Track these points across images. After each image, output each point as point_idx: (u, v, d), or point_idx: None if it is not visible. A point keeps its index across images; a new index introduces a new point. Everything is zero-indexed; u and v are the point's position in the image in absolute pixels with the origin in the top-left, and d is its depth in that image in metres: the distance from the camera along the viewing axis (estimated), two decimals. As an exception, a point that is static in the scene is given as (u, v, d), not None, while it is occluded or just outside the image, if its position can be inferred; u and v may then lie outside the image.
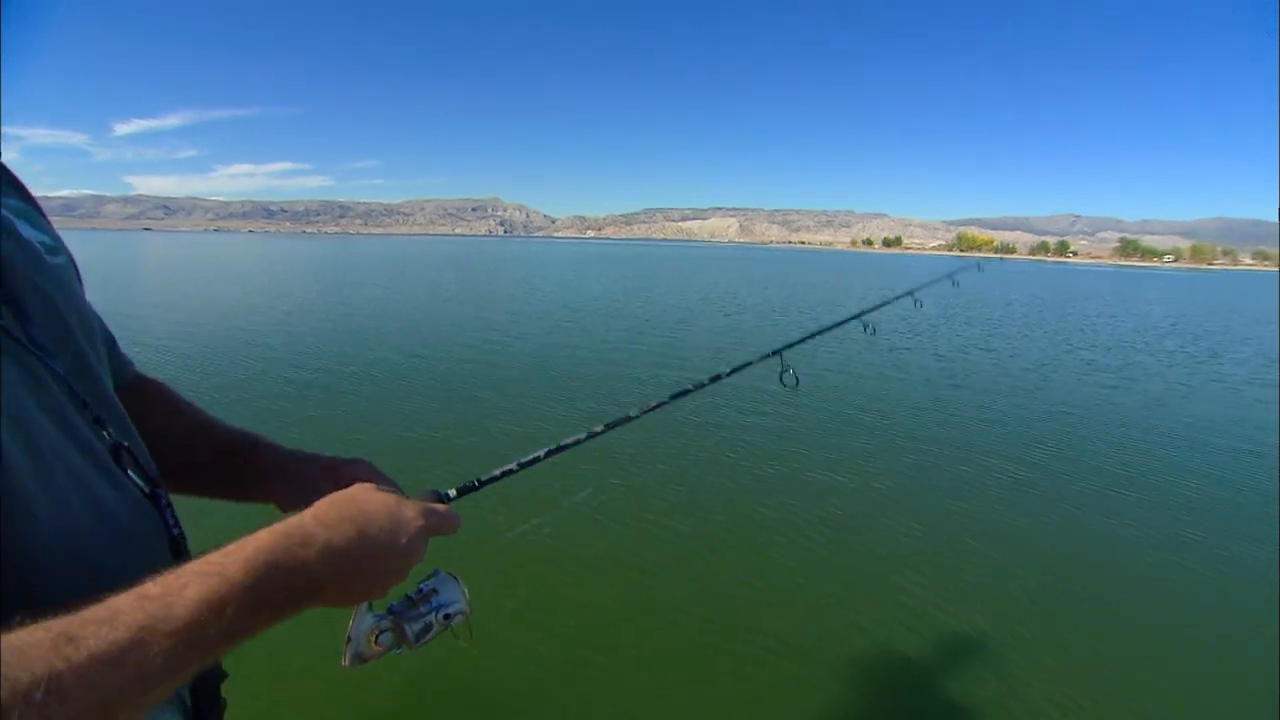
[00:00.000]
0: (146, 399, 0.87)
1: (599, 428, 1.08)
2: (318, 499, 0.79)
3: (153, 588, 0.47)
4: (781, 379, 1.80)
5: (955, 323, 17.99)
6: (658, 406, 1.22)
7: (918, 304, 3.01)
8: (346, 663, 0.68)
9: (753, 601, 3.77)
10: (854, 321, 2.33)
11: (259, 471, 0.89)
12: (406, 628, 0.70)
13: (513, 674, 3.11)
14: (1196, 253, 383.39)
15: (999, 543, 4.63)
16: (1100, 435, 7.31)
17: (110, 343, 0.79)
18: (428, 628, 0.72)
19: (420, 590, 0.74)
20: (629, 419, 1.16)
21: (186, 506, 0.73)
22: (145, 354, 9.90)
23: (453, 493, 0.82)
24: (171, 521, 0.66)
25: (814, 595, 3.89)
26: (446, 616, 0.73)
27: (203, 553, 0.52)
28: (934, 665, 3.30)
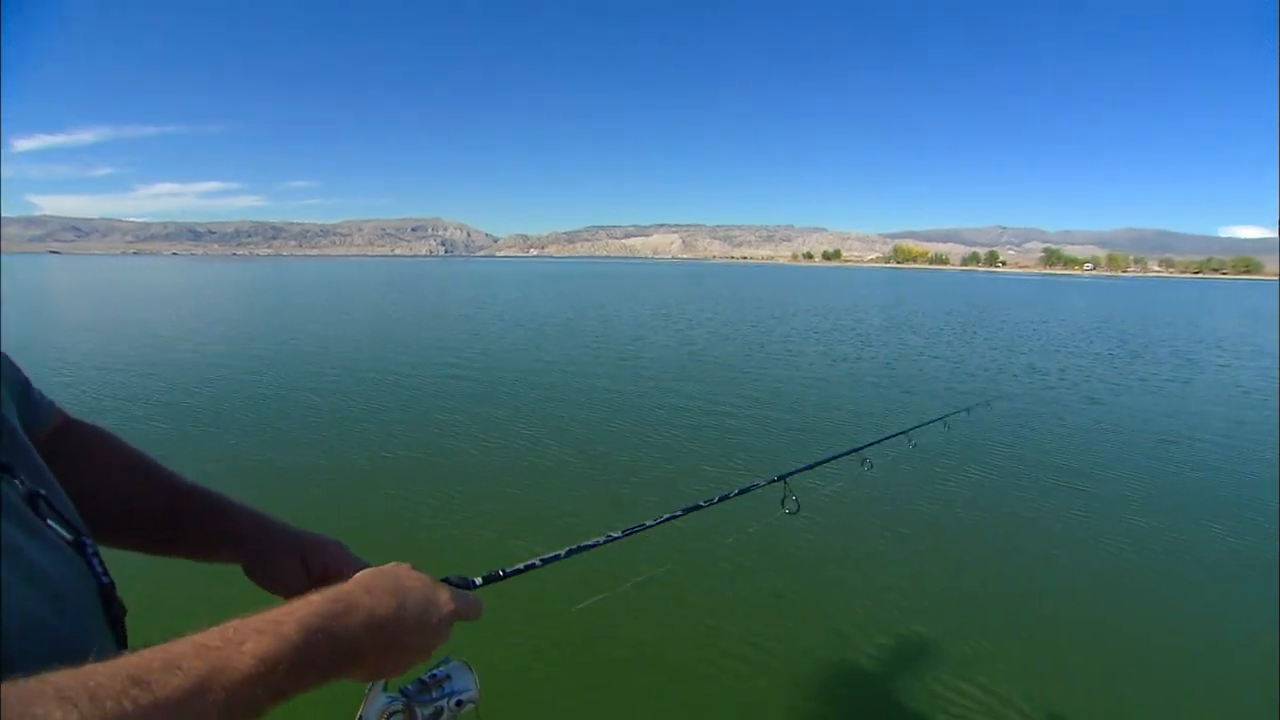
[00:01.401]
0: (77, 444, 0.82)
1: (617, 533, 1.17)
2: (277, 571, 0.83)
3: (213, 638, 0.48)
4: (783, 503, 1.78)
5: (902, 330, 18.57)
6: (671, 518, 1.32)
7: (911, 443, 2.76)
8: None
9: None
10: (852, 456, 2.29)
11: (233, 534, 0.85)
12: (418, 710, 0.70)
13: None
14: (1112, 261, 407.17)
15: (964, 551, 4.75)
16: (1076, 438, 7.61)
17: (23, 385, 0.75)
18: (438, 713, 0.72)
19: (434, 675, 0.74)
20: (644, 526, 1.24)
21: (111, 553, 0.69)
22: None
23: (479, 580, 0.84)
24: (100, 570, 0.64)
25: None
26: (459, 703, 0.73)
27: (260, 610, 0.53)
28: (919, 679, 3.34)
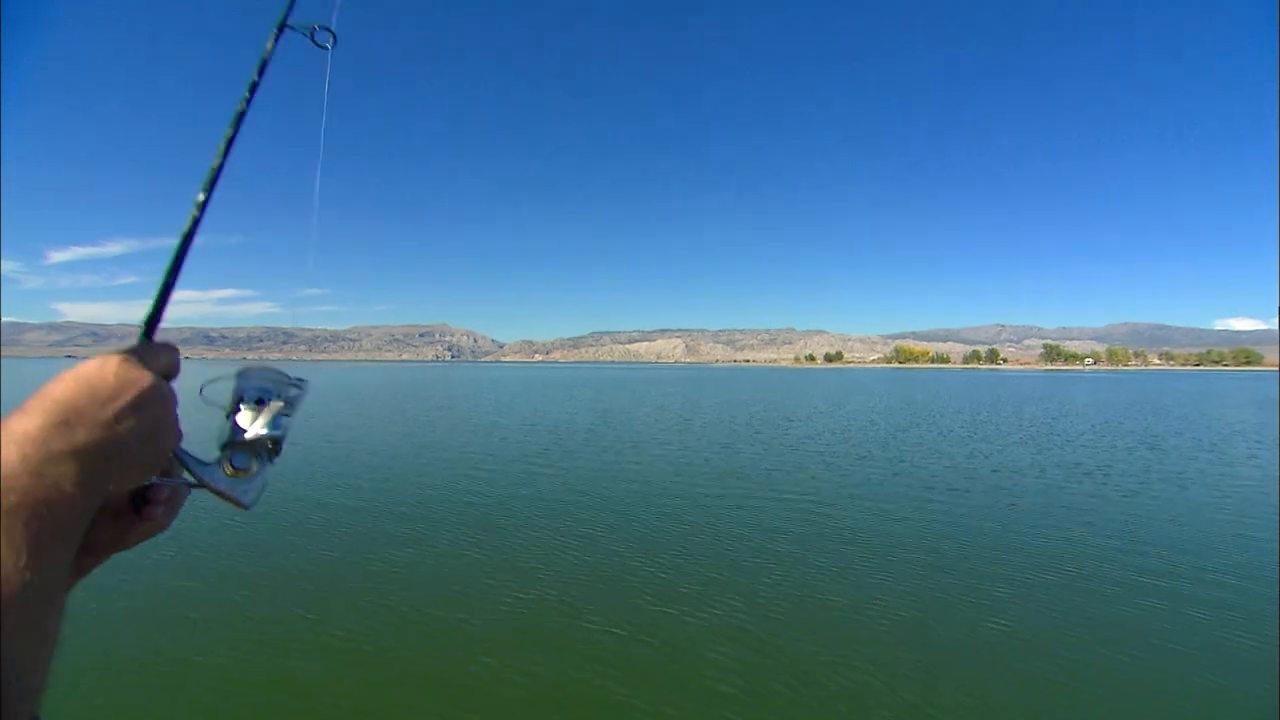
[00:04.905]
0: None
1: None
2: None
3: None
4: None
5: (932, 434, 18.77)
6: None
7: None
8: (247, 504, 0.57)
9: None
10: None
11: None
12: (252, 422, 0.58)
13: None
14: (1112, 355, 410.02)
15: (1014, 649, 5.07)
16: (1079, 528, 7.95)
17: None
18: (274, 415, 0.59)
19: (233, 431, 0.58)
20: None
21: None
22: None
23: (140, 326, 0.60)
24: None
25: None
26: (285, 400, 0.60)
27: None
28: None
